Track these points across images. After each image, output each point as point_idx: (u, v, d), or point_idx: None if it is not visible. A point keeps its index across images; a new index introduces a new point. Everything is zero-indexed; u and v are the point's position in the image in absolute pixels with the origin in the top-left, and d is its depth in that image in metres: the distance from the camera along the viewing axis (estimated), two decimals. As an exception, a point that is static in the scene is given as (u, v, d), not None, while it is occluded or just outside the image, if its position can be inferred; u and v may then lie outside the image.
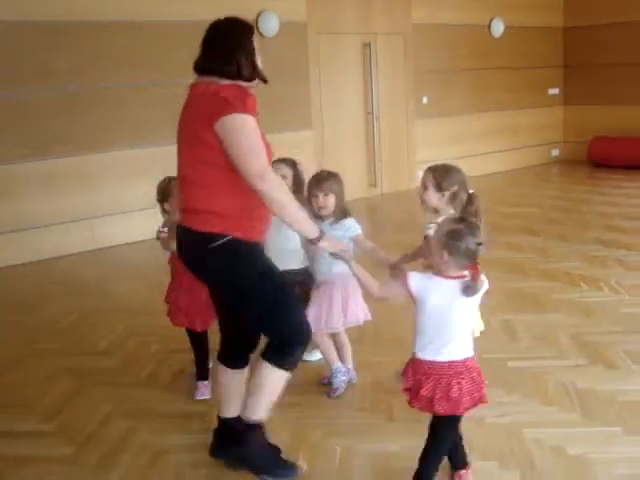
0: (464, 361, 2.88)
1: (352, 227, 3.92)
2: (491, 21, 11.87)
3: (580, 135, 12.82)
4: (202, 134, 2.94)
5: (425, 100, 11.14)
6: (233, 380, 3.34)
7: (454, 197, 3.54)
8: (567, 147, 13.14)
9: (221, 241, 2.95)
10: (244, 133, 2.93)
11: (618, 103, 12.40)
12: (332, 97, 10.05)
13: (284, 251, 3.92)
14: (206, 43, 3.17)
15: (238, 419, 3.26)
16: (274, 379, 3.12)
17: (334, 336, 4.15)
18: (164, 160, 8.17)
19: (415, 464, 3.02)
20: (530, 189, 10.81)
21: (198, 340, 4.15)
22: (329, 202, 3.90)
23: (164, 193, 4.05)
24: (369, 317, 4.10)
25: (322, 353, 4.15)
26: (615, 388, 3.99)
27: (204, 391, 4.10)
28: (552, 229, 7.96)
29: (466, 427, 3.57)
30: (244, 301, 3.06)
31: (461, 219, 2.98)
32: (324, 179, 3.96)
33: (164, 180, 4.09)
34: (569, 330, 4.90)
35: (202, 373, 4.15)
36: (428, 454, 2.98)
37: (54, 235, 7.71)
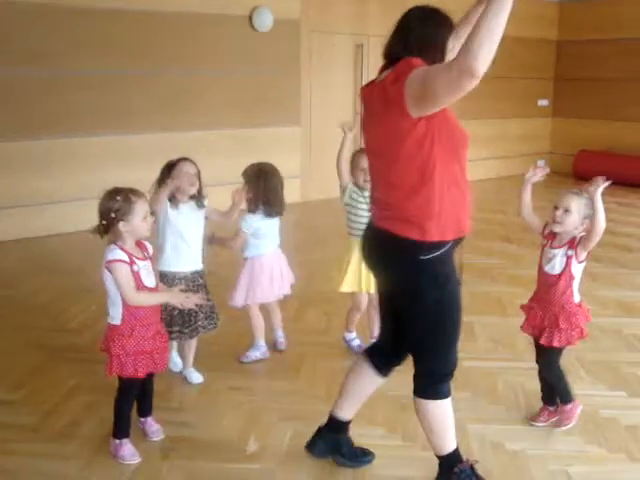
0: None
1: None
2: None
3: (567, 147, 13.02)
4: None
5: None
6: (369, 384, 3.33)
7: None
8: (553, 158, 13.33)
9: None
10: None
11: (606, 118, 12.60)
12: (322, 95, 10.20)
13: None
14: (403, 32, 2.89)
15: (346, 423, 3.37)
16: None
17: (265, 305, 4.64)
18: (153, 147, 8.44)
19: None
20: (512, 197, 10.92)
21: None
22: None
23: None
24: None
25: (253, 326, 4.56)
26: (560, 391, 4.15)
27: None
28: (527, 237, 8.11)
29: (412, 419, 3.76)
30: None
31: None
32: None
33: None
34: (527, 335, 5.06)
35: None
36: None
37: (39, 215, 7.85)
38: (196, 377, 4.22)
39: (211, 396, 4.07)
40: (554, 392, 3.79)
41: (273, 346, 4.72)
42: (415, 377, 3.09)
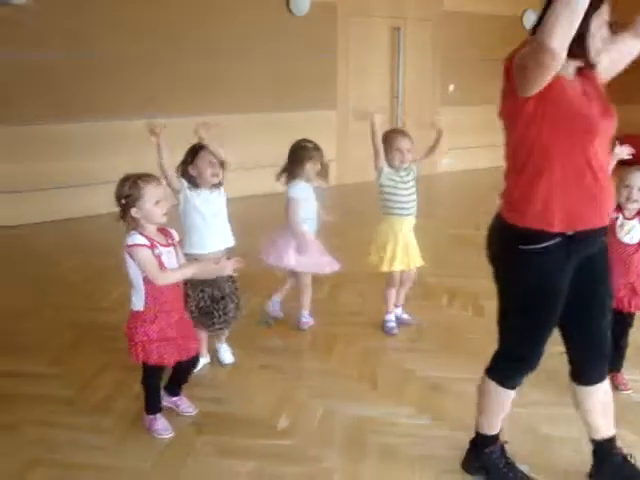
0: None
1: None
2: (524, 12, 11.89)
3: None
4: None
5: (452, 88, 11.22)
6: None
7: None
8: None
9: None
10: None
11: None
12: (359, 79, 10.19)
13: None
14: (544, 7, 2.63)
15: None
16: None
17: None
18: (187, 131, 8.48)
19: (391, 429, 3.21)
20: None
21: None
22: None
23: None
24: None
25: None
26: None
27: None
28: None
29: (442, 400, 3.78)
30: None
31: None
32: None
33: None
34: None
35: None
36: None
37: (73, 196, 8.00)
38: (228, 357, 4.23)
39: (243, 374, 4.12)
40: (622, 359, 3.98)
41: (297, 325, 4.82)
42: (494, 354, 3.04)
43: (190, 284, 3.81)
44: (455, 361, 4.33)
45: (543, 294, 2.74)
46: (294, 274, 4.79)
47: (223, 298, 3.93)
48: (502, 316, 2.90)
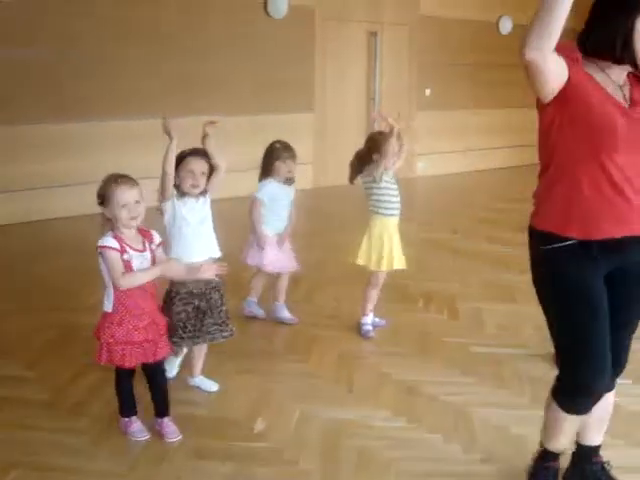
0: None
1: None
2: (499, 19, 12.01)
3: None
4: None
5: (428, 92, 11.31)
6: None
7: None
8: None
9: None
10: None
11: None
12: (335, 82, 10.24)
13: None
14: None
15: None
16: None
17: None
18: (157, 130, 8.48)
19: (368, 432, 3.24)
20: (527, 187, 10.90)
21: None
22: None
23: None
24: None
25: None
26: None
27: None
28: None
29: (418, 403, 3.84)
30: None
31: None
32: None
33: None
34: (535, 322, 5.10)
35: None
36: None
37: (50, 197, 7.93)
38: (210, 385, 3.99)
39: (221, 376, 4.12)
40: None
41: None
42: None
43: (179, 297, 3.73)
44: (430, 365, 4.39)
45: (572, 297, 2.66)
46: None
47: (205, 313, 3.79)
48: (550, 329, 2.82)
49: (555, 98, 2.47)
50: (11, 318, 5.00)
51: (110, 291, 3.27)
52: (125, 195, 3.18)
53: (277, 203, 4.77)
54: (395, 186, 4.70)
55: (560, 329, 2.76)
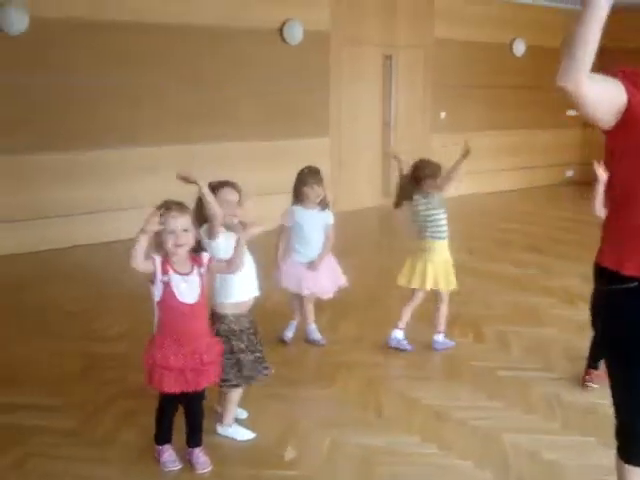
0: None
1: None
2: (513, 40, 12.04)
3: (598, 157, 12.86)
4: None
5: (443, 115, 11.33)
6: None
7: None
8: (583, 169, 13.24)
9: None
10: None
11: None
12: (351, 106, 10.27)
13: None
14: None
15: None
16: None
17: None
18: (182, 159, 8.55)
19: (399, 459, 3.21)
20: (540, 208, 10.97)
21: None
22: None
23: None
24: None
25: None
26: (596, 401, 4.16)
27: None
28: (556, 248, 8.13)
29: (447, 428, 3.81)
30: None
31: None
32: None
33: None
34: (561, 344, 5.08)
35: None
36: None
37: (68, 225, 7.95)
38: (243, 433, 3.78)
39: (248, 403, 4.10)
40: None
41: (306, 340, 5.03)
42: None
43: (245, 335, 3.67)
44: (458, 389, 4.36)
45: (633, 353, 2.39)
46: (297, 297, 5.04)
47: (243, 351, 3.67)
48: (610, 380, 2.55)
49: (615, 126, 2.28)
50: (30, 347, 5.00)
51: (155, 313, 3.29)
52: (173, 222, 3.17)
53: (304, 228, 4.81)
54: (434, 210, 4.85)
55: (619, 393, 2.49)
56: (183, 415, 3.47)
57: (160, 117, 8.43)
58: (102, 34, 7.90)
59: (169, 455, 3.45)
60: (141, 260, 3.15)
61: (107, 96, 8.03)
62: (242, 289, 3.69)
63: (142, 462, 3.47)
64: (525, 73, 12.26)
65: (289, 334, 5.06)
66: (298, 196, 4.82)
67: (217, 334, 3.60)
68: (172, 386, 3.27)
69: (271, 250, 4.88)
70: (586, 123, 11.80)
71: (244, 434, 3.73)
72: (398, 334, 4.94)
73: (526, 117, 12.51)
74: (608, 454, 3.55)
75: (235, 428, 3.76)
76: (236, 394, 3.73)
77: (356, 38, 10.13)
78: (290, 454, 3.56)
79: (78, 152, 7.96)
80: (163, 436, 3.47)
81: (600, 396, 4.24)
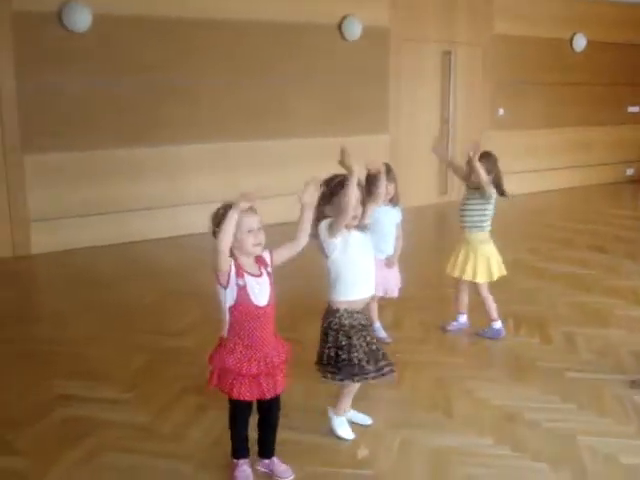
0: None
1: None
2: (573, 36, 11.84)
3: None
4: None
5: (501, 112, 11.19)
6: None
7: None
8: (643, 167, 13.00)
9: None
10: None
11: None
12: (410, 103, 10.20)
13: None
14: None
15: None
16: None
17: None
18: (246, 155, 8.61)
19: (473, 459, 3.17)
20: (601, 207, 10.77)
21: None
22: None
23: None
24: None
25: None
26: (672, 405, 4.07)
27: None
28: (620, 247, 7.97)
29: (519, 429, 3.76)
30: None
31: None
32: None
33: None
34: (630, 346, 4.97)
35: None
36: None
37: (139, 220, 8.10)
38: (364, 418, 3.87)
39: (315, 400, 4.11)
40: None
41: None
42: None
43: (354, 331, 3.58)
44: (528, 390, 4.29)
45: None
46: None
47: (342, 348, 3.58)
48: None
49: None
50: (99, 342, 5.07)
51: (226, 317, 3.17)
52: (250, 220, 3.10)
53: (380, 226, 4.71)
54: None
55: None
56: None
57: (222, 114, 8.50)
58: (166, 30, 7.99)
59: (243, 471, 3.29)
60: (227, 256, 3.07)
61: (171, 93, 8.13)
62: (356, 288, 3.61)
63: (214, 459, 3.48)
64: (585, 69, 12.04)
65: (382, 334, 5.03)
66: (369, 194, 4.75)
67: (327, 327, 3.57)
68: (246, 394, 3.17)
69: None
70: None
71: (344, 431, 3.70)
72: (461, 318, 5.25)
73: (586, 114, 12.29)
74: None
75: (340, 420, 3.73)
76: (349, 387, 3.70)
77: (415, 35, 10.05)
78: (363, 452, 3.54)
79: (149, 147, 8.11)
80: (239, 450, 3.32)
81: (676, 400, 4.16)
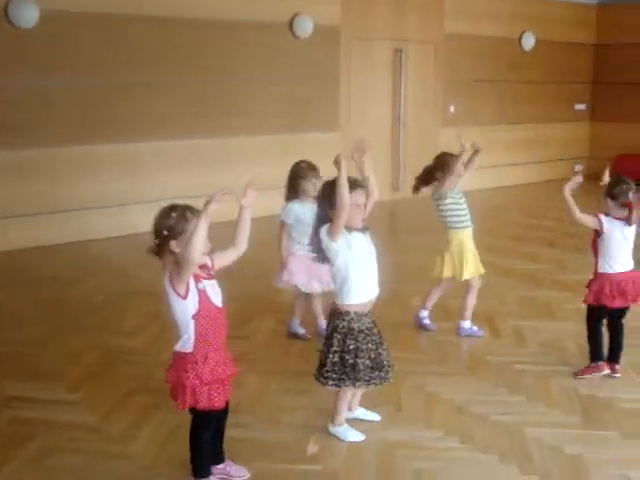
0: None
1: None
2: (522, 34, 12.00)
3: (605, 151, 12.89)
4: None
5: (452, 109, 11.30)
6: None
7: None
8: (591, 163, 13.21)
9: None
10: None
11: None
12: (361, 100, 10.24)
13: None
14: None
15: None
16: None
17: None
18: (197, 153, 8.55)
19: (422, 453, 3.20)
20: (552, 202, 10.91)
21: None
22: None
23: None
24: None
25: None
26: (615, 395, 4.17)
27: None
28: (570, 242, 8.09)
29: (468, 422, 3.80)
30: None
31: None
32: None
33: None
34: (577, 339, 5.05)
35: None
36: None
37: (90, 218, 7.97)
38: (372, 415, 3.89)
39: (268, 398, 4.11)
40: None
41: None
42: None
43: (362, 336, 3.53)
44: (478, 383, 4.36)
45: None
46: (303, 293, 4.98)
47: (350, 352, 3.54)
48: None
49: None
50: (49, 341, 5.01)
51: (189, 329, 2.99)
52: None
53: (304, 223, 4.61)
54: (462, 200, 5.09)
55: None
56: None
57: (170, 112, 8.42)
58: (118, 29, 7.91)
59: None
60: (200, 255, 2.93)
61: (122, 91, 8.05)
62: (364, 289, 3.55)
63: (164, 458, 3.46)
64: (534, 67, 12.22)
65: (301, 330, 5.04)
66: (294, 190, 4.78)
67: (334, 330, 3.51)
68: (222, 399, 3.07)
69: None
70: (593, 117, 11.81)
71: (353, 435, 3.65)
72: (465, 324, 5.18)
73: (535, 111, 12.47)
74: (629, 447, 3.59)
75: (344, 428, 3.68)
76: (347, 394, 3.66)
77: (366, 32, 10.10)
78: (313, 448, 3.55)
79: (94, 146, 7.99)
80: (206, 467, 3.18)
81: (618, 390, 4.25)
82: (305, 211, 4.70)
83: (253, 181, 3.16)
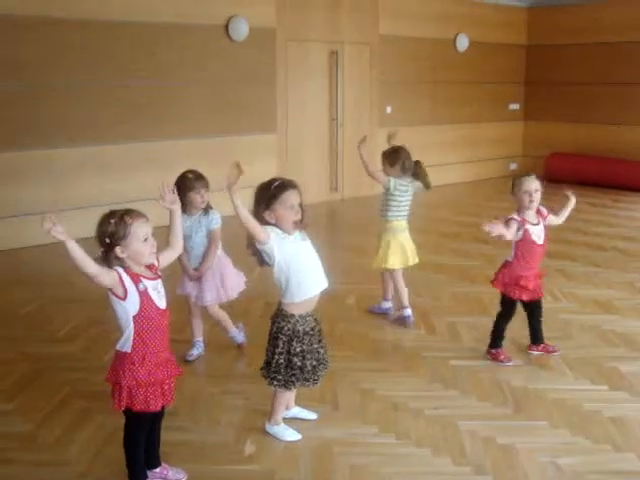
0: None
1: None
2: (456, 36, 12.20)
3: (538, 150, 13.22)
4: None
5: (389, 110, 11.42)
6: None
7: None
8: (525, 161, 13.51)
9: None
10: None
11: (576, 121, 12.84)
12: (298, 102, 10.28)
13: None
14: None
15: None
16: None
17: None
18: (127, 158, 8.47)
19: (358, 449, 3.24)
20: (486, 201, 11.15)
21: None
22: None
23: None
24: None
25: (222, 321, 4.80)
26: (545, 387, 4.29)
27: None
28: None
29: (404, 418, 3.87)
30: None
31: None
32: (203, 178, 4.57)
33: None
34: (509, 333, 5.15)
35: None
36: None
37: (17, 226, 7.80)
38: (310, 414, 3.92)
39: (205, 400, 4.11)
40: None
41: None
42: None
43: (307, 338, 3.57)
44: (413, 379, 4.43)
45: None
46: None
47: (297, 355, 3.58)
48: None
49: None
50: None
51: (130, 329, 3.00)
52: (145, 229, 2.98)
53: (190, 239, 4.50)
54: (406, 193, 5.45)
55: None
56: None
57: (101, 116, 8.33)
58: (44, 31, 7.78)
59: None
60: (104, 274, 2.92)
61: (51, 95, 7.92)
62: (307, 287, 3.53)
63: (101, 463, 3.43)
64: (468, 68, 12.44)
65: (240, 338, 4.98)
66: (183, 203, 4.07)
67: (278, 332, 3.51)
68: (158, 402, 3.07)
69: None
70: (527, 116, 12.08)
71: (291, 435, 3.67)
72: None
73: (470, 111, 12.69)
74: (558, 436, 3.71)
75: (282, 428, 3.70)
76: (285, 394, 3.68)
77: (301, 34, 10.14)
78: (249, 448, 3.57)
79: (25, 151, 7.83)
80: (143, 472, 3.18)
81: (549, 382, 4.39)
82: (190, 225, 4.48)
83: (168, 185, 3.27)
